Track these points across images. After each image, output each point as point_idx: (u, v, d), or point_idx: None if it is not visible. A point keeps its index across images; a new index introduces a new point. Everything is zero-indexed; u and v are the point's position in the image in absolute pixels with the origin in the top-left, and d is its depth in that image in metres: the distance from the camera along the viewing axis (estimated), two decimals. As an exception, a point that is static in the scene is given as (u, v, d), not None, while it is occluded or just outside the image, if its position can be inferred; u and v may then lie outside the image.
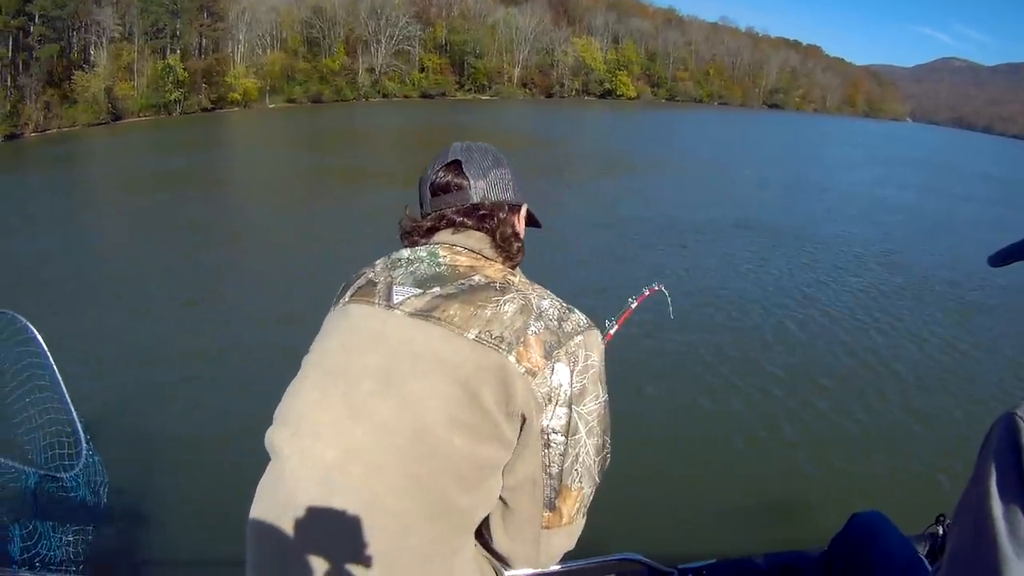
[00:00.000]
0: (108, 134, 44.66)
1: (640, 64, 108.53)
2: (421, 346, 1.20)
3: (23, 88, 45.10)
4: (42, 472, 3.69)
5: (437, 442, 1.16)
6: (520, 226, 1.53)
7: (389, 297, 1.27)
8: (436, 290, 1.26)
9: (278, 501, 1.21)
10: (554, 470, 1.25)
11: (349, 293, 1.36)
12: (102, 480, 3.96)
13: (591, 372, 1.27)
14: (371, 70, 74.76)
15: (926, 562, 1.98)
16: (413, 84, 79.15)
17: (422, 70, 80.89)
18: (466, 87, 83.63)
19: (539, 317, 1.24)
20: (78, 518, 3.86)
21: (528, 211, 1.58)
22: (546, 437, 1.23)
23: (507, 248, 1.41)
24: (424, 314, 1.22)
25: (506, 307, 1.23)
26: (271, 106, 63.42)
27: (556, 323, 1.25)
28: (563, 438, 1.23)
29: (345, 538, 1.15)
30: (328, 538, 1.16)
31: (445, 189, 1.45)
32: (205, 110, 57.10)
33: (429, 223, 1.44)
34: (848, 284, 14.42)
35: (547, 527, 1.29)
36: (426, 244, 1.42)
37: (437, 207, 1.45)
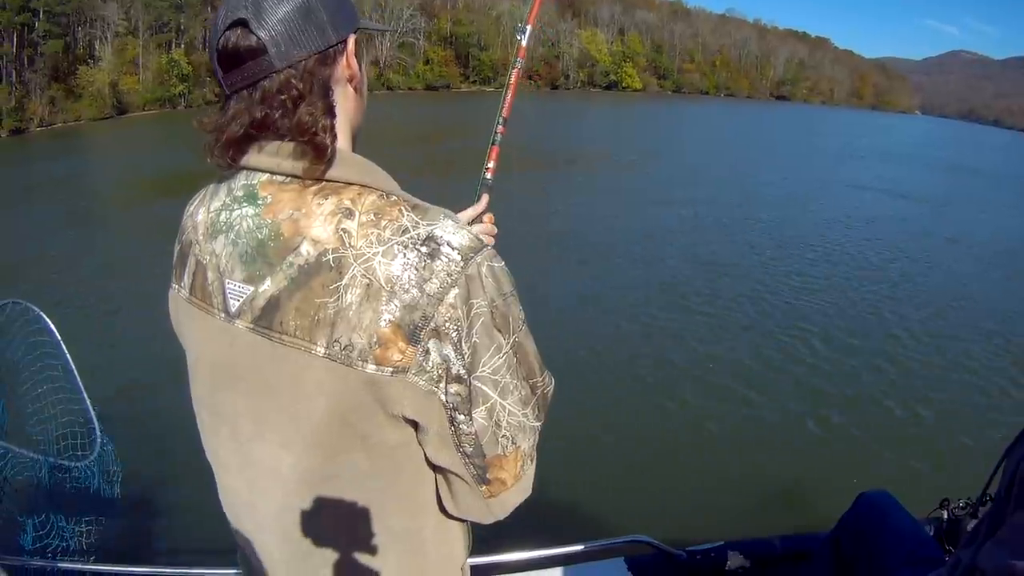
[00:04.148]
0: (113, 128, 44.68)
1: (646, 56, 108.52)
2: (275, 376, 1.03)
3: (28, 83, 45.16)
4: (55, 461, 3.67)
5: (328, 474, 1.07)
6: (347, 68, 1.10)
7: (225, 302, 1.06)
8: (267, 283, 1.01)
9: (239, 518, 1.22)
10: (468, 449, 1.04)
11: (186, 281, 1.14)
12: (116, 469, 3.98)
13: (478, 325, 1.00)
14: (375, 62, 74.65)
15: (935, 542, 1.99)
16: (418, 76, 79.13)
17: (427, 62, 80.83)
18: (471, 79, 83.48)
19: (391, 294, 0.96)
20: (92, 508, 3.82)
21: (358, 35, 1.12)
22: (449, 415, 1.02)
23: (312, 145, 1.02)
24: (264, 328, 1.02)
25: (348, 296, 0.97)
26: (276, 99, 63.11)
27: (416, 290, 0.96)
28: (466, 416, 1.02)
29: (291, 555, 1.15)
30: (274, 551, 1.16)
31: (235, 59, 1.02)
32: (210, 103, 56.86)
33: (237, 130, 1.04)
34: (856, 264, 14.70)
35: (491, 497, 1.10)
36: (240, 169, 1.08)
37: (233, 88, 1.04)
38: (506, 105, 1.73)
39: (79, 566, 2.90)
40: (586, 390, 7.72)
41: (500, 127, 1.71)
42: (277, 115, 1.02)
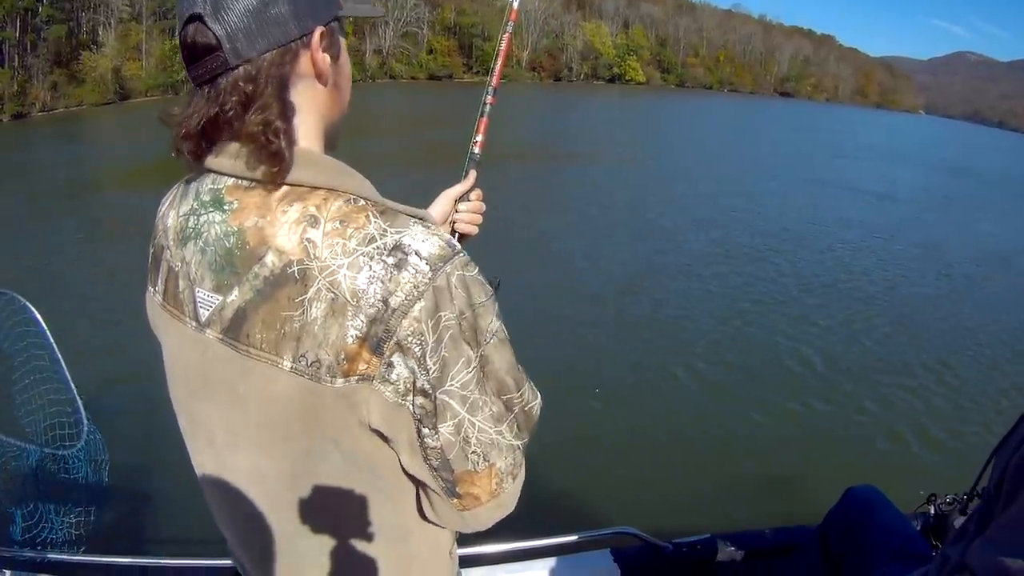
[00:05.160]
0: (116, 113, 44.72)
1: (650, 49, 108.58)
2: (244, 387, 1.01)
3: (30, 68, 45.14)
4: (43, 450, 3.69)
5: (308, 476, 1.06)
6: (311, 64, 1.03)
7: (196, 311, 1.04)
8: (234, 294, 0.98)
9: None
10: (435, 463, 1.01)
11: (160, 286, 1.12)
12: (104, 458, 4.00)
13: (447, 338, 0.95)
14: (379, 51, 74.71)
15: (922, 537, 2.00)
16: (421, 66, 79.19)
17: (430, 52, 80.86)
18: (474, 69, 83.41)
19: (356, 309, 0.92)
20: (81, 498, 3.85)
21: (333, 24, 1.06)
22: (417, 428, 0.99)
23: (264, 151, 0.97)
24: (232, 340, 0.99)
25: (313, 310, 0.93)
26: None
27: (381, 303, 0.92)
28: (431, 430, 0.98)
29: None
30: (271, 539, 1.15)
31: (193, 53, 0.98)
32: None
33: (193, 126, 1.00)
34: (847, 261, 14.80)
35: (464, 510, 1.06)
36: (207, 171, 1.05)
37: (195, 82, 1.00)
38: (496, 74, 1.62)
39: (69, 557, 2.83)
40: (573, 383, 7.69)
41: (490, 97, 1.59)
42: (230, 115, 0.97)
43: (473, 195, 1.55)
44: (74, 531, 3.75)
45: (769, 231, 16.85)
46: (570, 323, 9.79)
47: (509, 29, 1.64)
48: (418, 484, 1.08)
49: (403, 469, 1.06)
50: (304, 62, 1.02)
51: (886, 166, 36.59)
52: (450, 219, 1.54)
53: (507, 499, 1.08)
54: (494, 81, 1.61)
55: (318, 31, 1.01)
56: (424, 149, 26.46)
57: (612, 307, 10.84)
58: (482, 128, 1.59)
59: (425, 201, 1.44)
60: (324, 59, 1.03)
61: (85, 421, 3.85)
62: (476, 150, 1.58)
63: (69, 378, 3.82)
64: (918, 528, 2.16)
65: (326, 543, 1.11)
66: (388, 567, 1.14)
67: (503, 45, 1.62)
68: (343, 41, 1.10)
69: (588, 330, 9.65)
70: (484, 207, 1.56)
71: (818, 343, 9.88)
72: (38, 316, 3.87)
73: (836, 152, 40.99)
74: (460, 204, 1.53)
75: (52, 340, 3.86)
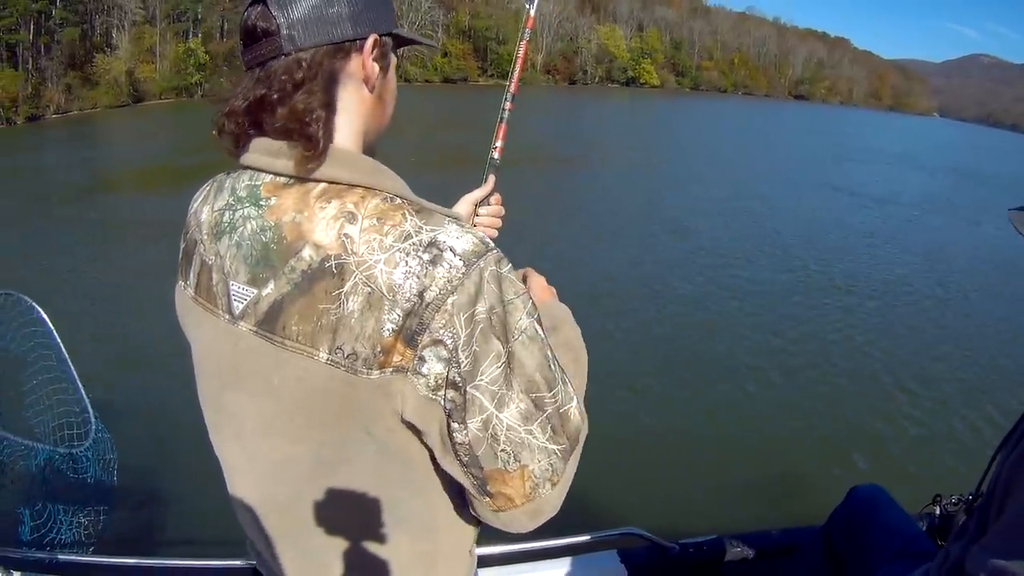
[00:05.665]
0: (129, 116, 45.09)
1: (664, 52, 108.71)
2: (279, 379, 1.02)
3: (44, 71, 45.50)
4: (52, 449, 3.70)
5: (339, 465, 1.07)
6: (361, 68, 1.08)
7: (230, 304, 1.06)
8: (270, 287, 1.01)
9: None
10: (464, 459, 1.02)
11: (192, 280, 1.14)
12: (112, 457, 4.02)
13: (478, 332, 0.97)
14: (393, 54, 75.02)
15: (926, 536, 2.00)
16: (435, 69, 79.45)
17: (445, 55, 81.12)
18: (489, 73, 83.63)
19: (393, 303, 0.94)
20: (90, 498, 3.85)
21: (386, 39, 1.12)
22: (447, 421, 1.00)
23: (302, 136, 1.01)
24: (267, 332, 1.01)
25: (350, 303, 0.95)
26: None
27: (416, 297, 0.94)
28: (460, 424, 0.99)
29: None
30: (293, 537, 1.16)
31: (251, 35, 1.04)
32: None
33: (240, 104, 1.05)
34: (843, 254, 15.09)
35: (498, 511, 1.07)
36: (244, 168, 1.09)
37: (248, 65, 1.06)
38: (514, 80, 1.64)
39: (78, 557, 2.84)
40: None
41: (508, 104, 1.62)
42: (275, 97, 1.02)
43: (493, 199, 1.58)
44: (83, 531, 3.74)
45: (779, 234, 16.92)
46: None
47: (527, 36, 1.69)
48: (457, 482, 1.09)
49: (436, 465, 1.08)
50: (355, 64, 1.07)
51: (905, 170, 36.62)
52: (471, 223, 1.54)
53: (543, 505, 1.07)
54: (512, 87, 1.64)
55: (372, 38, 1.07)
56: (438, 152, 26.51)
57: (618, 310, 10.84)
58: (501, 134, 1.62)
59: (443, 204, 1.42)
60: (374, 67, 1.09)
61: (93, 420, 3.86)
62: (496, 155, 1.62)
63: (76, 377, 3.85)
64: (923, 528, 2.15)
65: (352, 535, 1.12)
66: (413, 563, 1.15)
67: (521, 52, 1.65)
68: (394, 59, 1.17)
69: (594, 333, 9.56)
70: (504, 211, 1.59)
71: (823, 342, 9.92)
72: (45, 316, 3.90)
73: (861, 156, 41.25)
74: (480, 208, 1.56)
75: (59, 340, 3.88)
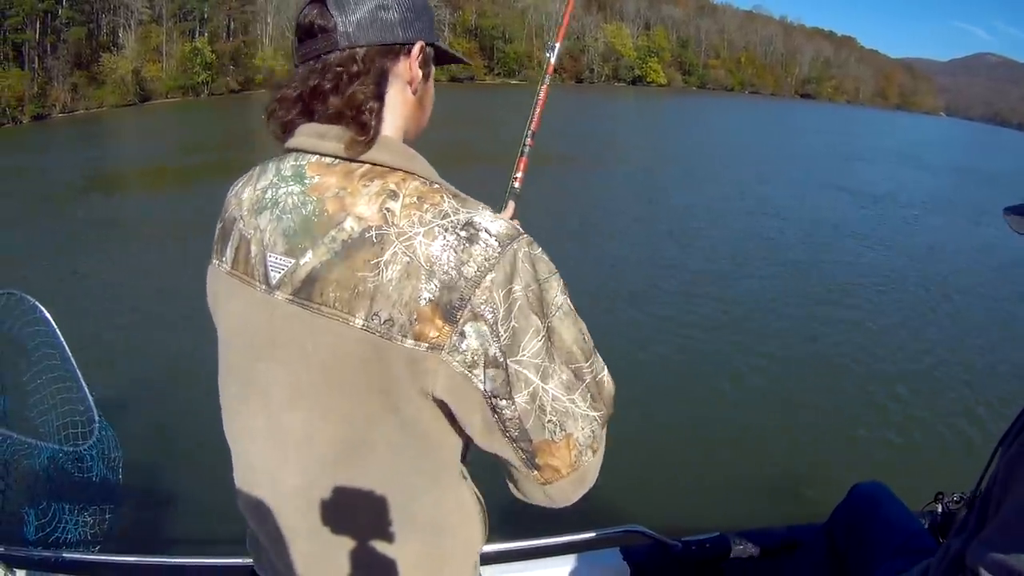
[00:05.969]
0: (135, 115, 45.26)
1: (671, 51, 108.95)
2: (312, 346, 1.05)
3: (50, 70, 45.75)
4: (56, 447, 3.67)
5: (361, 445, 1.09)
6: (408, 70, 1.16)
7: (267, 274, 1.09)
8: (308, 256, 1.05)
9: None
10: (514, 433, 1.04)
11: (228, 255, 1.17)
12: (117, 455, 3.97)
13: (516, 308, 1.01)
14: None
15: (928, 533, 2.02)
16: (441, 68, 79.53)
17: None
18: (495, 71, 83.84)
19: (430, 274, 0.98)
20: (94, 497, 3.79)
21: (429, 49, 1.21)
22: (490, 402, 1.02)
23: (356, 122, 1.08)
24: (304, 300, 1.05)
25: (388, 272, 0.99)
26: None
27: (455, 271, 0.99)
28: (508, 400, 1.02)
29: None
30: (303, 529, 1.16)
31: (308, 32, 1.12)
32: (233, 92, 57.61)
33: (292, 92, 1.13)
34: (849, 258, 14.92)
35: (546, 483, 1.10)
36: (289, 152, 1.14)
37: (302, 58, 1.13)
38: (535, 119, 1.77)
39: (83, 556, 2.89)
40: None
41: (529, 140, 1.76)
42: (328, 86, 1.09)
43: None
44: (88, 530, 3.69)
45: (782, 233, 16.99)
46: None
47: (547, 81, 1.83)
48: (503, 467, 1.12)
49: (464, 447, 1.15)
50: (402, 66, 1.15)
51: (916, 170, 36.53)
52: None
53: (587, 473, 1.12)
54: (533, 125, 1.77)
55: (419, 44, 1.16)
56: (443, 149, 26.47)
57: (621, 307, 10.84)
58: (522, 167, 1.74)
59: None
60: (418, 71, 1.17)
61: (97, 418, 3.79)
62: (516, 185, 1.73)
63: (80, 376, 3.79)
64: (925, 526, 2.16)
65: (362, 533, 1.13)
66: (420, 564, 1.17)
67: (541, 95, 1.80)
68: (433, 69, 1.25)
69: (598, 330, 9.52)
70: None
71: (825, 340, 9.90)
72: (48, 315, 3.85)
73: (870, 155, 41.17)
74: None
75: (62, 339, 3.84)
